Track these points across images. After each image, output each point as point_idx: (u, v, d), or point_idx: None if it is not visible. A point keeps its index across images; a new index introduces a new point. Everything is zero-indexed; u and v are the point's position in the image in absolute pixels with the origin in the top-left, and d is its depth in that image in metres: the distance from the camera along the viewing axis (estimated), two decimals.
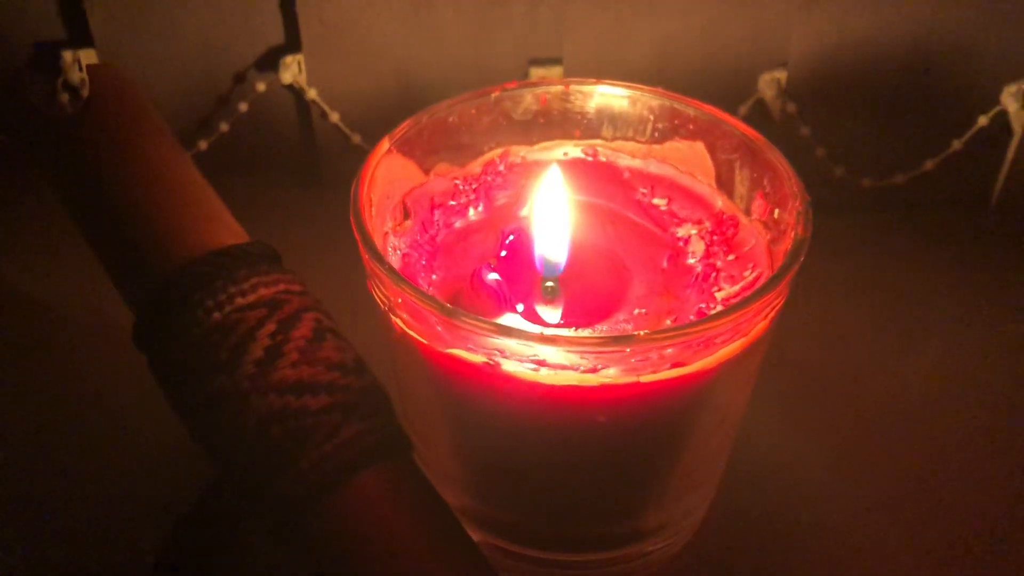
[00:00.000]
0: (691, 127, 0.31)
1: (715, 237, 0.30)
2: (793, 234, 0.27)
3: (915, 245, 0.44)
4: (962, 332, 0.41)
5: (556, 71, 0.42)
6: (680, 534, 0.32)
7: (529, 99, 0.32)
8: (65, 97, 0.35)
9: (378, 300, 0.27)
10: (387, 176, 0.29)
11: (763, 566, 0.32)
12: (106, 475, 0.35)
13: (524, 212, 0.32)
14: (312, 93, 0.43)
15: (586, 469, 0.28)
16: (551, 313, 0.29)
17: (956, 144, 0.43)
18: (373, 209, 0.28)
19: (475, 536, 0.28)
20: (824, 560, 0.32)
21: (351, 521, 0.26)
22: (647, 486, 0.29)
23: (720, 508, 0.33)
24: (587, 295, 0.30)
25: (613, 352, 0.24)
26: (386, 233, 0.30)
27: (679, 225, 0.31)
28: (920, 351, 0.40)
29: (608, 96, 0.32)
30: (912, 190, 0.44)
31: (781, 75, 0.42)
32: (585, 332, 0.28)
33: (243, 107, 0.43)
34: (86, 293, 0.39)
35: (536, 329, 0.27)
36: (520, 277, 0.30)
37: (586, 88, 0.32)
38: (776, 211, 0.29)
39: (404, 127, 0.30)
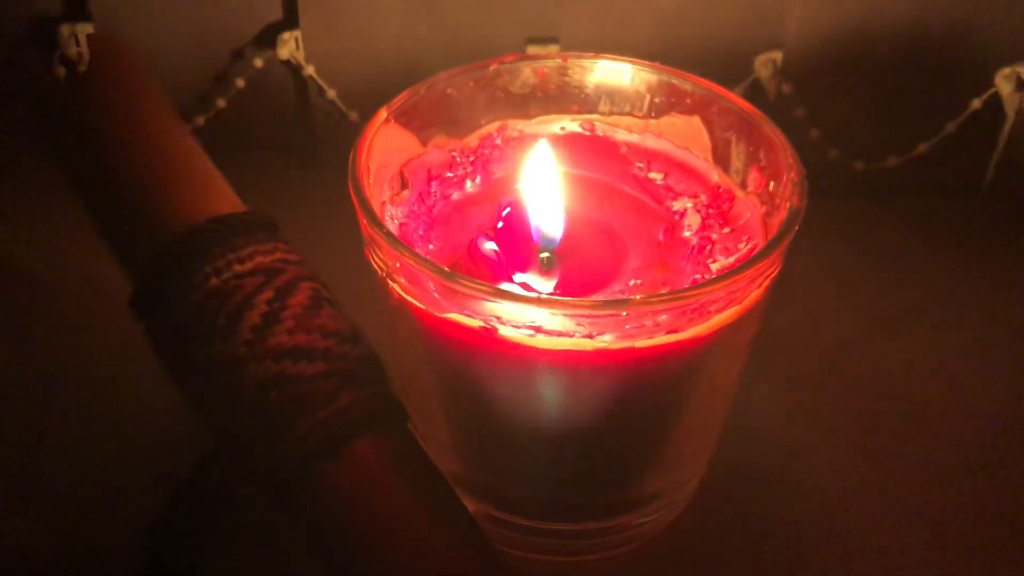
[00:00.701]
0: (688, 102, 0.32)
1: (711, 210, 0.31)
2: (788, 205, 0.27)
3: (907, 227, 0.45)
4: (952, 314, 0.41)
5: (553, 49, 0.43)
6: (673, 505, 0.33)
7: (527, 73, 0.32)
8: (62, 71, 0.35)
9: (375, 266, 0.27)
10: (385, 146, 0.30)
11: (754, 538, 0.33)
12: (101, 445, 0.35)
13: (521, 185, 0.32)
14: (310, 69, 0.43)
15: (580, 436, 0.28)
16: (547, 284, 0.29)
17: (949, 127, 0.43)
18: (371, 178, 0.28)
19: (469, 505, 0.28)
20: (815, 532, 0.33)
21: (347, 488, 0.26)
22: (641, 454, 0.29)
23: (712, 481, 0.34)
24: (583, 267, 0.30)
25: (609, 316, 0.24)
26: (383, 202, 0.30)
27: (675, 199, 0.31)
28: (910, 332, 0.40)
29: (606, 70, 0.32)
30: (905, 173, 0.45)
31: (777, 56, 0.43)
32: (580, 300, 0.28)
33: (240, 83, 0.43)
34: (82, 261, 0.39)
35: (533, 293, 0.27)
36: (516, 248, 0.30)
37: (584, 62, 0.32)
38: (771, 184, 0.29)
39: (402, 98, 0.30)
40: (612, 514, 0.31)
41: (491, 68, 0.32)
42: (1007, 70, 0.42)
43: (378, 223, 0.25)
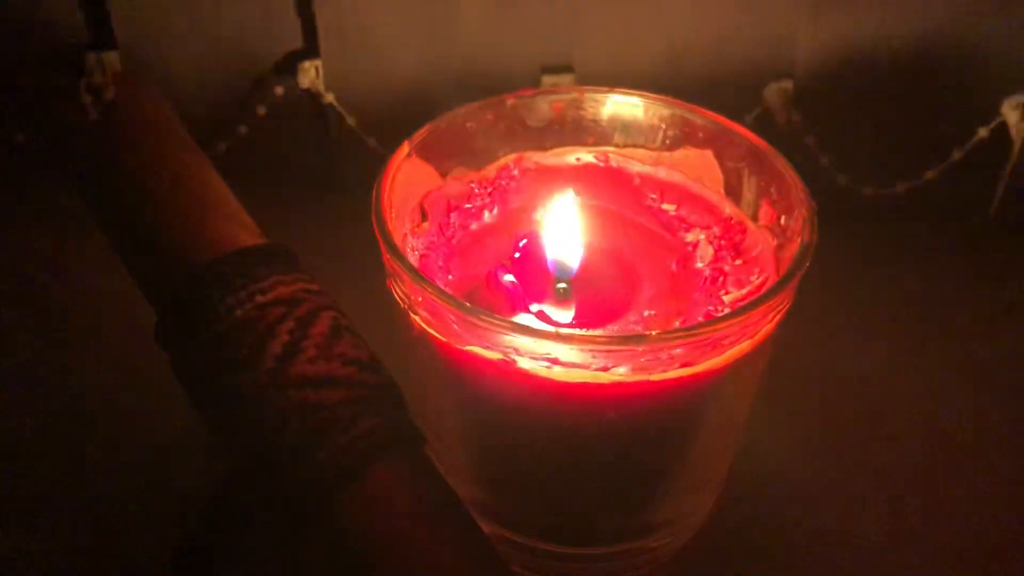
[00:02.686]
0: (700, 135, 0.32)
1: (723, 242, 0.31)
2: (800, 240, 0.28)
3: (915, 253, 0.45)
4: (960, 340, 0.42)
5: (567, 79, 0.43)
6: (685, 530, 0.33)
7: (543, 106, 0.33)
8: (88, 99, 0.36)
9: (397, 298, 0.28)
10: (406, 179, 0.30)
11: (765, 563, 0.33)
12: (124, 468, 0.36)
13: (537, 216, 0.33)
14: (329, 97, 0.44)
15: (595, 465, 0.29)
16: (563, 314, 0.30)
17: (956, 154, 0.44)
18: (393, 211, 0.29)
19: (485, 527, 0.29)
20: (825, 559, 0.33)
21: (366, 511, 0.27)
22: (654, 483, 0.30)
23: (724, 506, 0.34)
24: (598, 297, 0.31)
25: (625, 351, 0.25)
26: (405, 234, 0.30)
27: (688, 230, 0.32)
28: (919, 359, 0.41)
29: (620, 104, 0.33)
30: (913, 199, 0.45)
31: (787, 85, 0.43)
32: (596, 333, 0.29)
33: (261, 110, 0.44)
34: (108, 291, 0.40)
35: (551, 328, 0.28)
36: (533, 279, 0.31)
37: (599, 96, 0.33)
38: (782, 218, 0.30)
39: (423, 132, 0.31)
40: (623, 539, 0.32)
41: (508, 102, 0.33)
42: (1014, 99, 0.43)
43: (401, 258, 0.26)
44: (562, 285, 0.30)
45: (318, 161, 0.47)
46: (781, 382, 0.38)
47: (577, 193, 0.32)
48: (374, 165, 0.45)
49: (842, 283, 0.43)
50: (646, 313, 0.29)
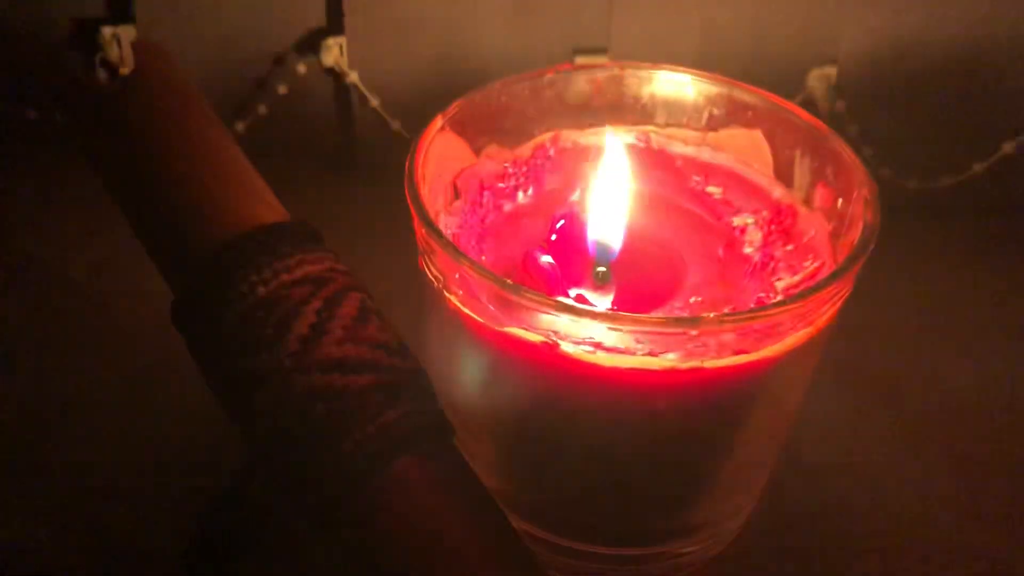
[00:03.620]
0: (749, 115, 0.31)
1: (773, 227, 0.30)
2: (862, 223, 0.26)
3: (961, 249, 0.44)
4: (1009, 339, 0.40)
5: (601, 60, 0.42)
6: (721, 536, 0.31)
7: (582, 82, 0.32)
8: (103, 74, 0.35)
9: (431, 277, 0.26)
10: (439, 154, 0.29)
11: (811, 570, 0.31)
12: (139, 457, 0.34)
13: (575, 197, 0.32)
14: (353, 76, 0.42)
15: (637, 458, 0.27)
16: (602, 300, 0.28)
17: (1006, 147, 0.42)
18: (426, 186, 0.27)
19: (513, 523, 0.27)
20: (871, 568, 0.32)
21: (392, 504, 0.25)
22: (698, 479, 0.28)
23: (762, 514, 0.32)
24: (640, 282, 0.29)
25: (678, 335, 0.23)
26: (437, 212, 0.29)
27: (735, 214, 0.30)
28: (965, 356, 0.39)
29: (663, 82, 0.32)
30: (959, 193, 0.44)
31: (831, 72, 0.42)
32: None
33: (282, 90, 0.43)
34: (125, 271, 0.39)
35: (600, 309, 0.26)
36: (571, 262, 0.29)
37: (641, 73, 0.32)
38: (839, 200, 0.28)
39: (456, 105, 0.30)
40: (659, 541, 0.30)
41: (546, 77, 0.31)
42: None
43: (437, 232, 0.24)
44: (602, 269, 0.29)
45: (340, 143, 0.45)
46: (827, 379, 0.36)
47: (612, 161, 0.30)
48: (398, 148, 0.44)
49: (885, 279, 0.42)
50: (692, 300, 0.28)
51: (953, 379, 0.38)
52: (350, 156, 0.45)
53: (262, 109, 0.43)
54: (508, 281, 0.23)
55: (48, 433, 0.35)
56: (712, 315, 0.22)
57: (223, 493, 0.32)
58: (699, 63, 0.41)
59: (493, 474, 0.29)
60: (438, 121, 0.29)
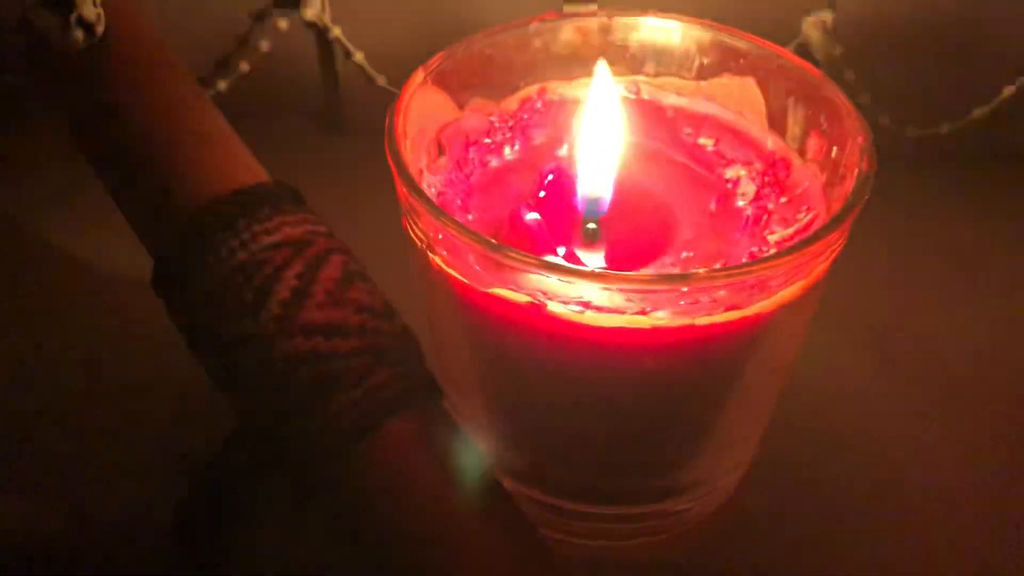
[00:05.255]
0: (741, 62, 0.30)
1: (766, 179, 0.29)
2: (856, 171, 0.25)
3: (961, 195, 0.43)
4: (1006, 282, 0.39)
5: (591, 7, 0.41)
6: (718, 492, 0.31)
7: (569, 32, 0.31)
8: (79, 34, 0.34)
9: (414, 238, 0.26)
10: (422, 110, 0.28)
11: (801, 532, 0.31)
12: (122, 427, 0.34)
13: (562, 151, 0.31)
14: (336, 31, 0.41)
15: (628, 418, 0.26)
16: (592, 256, 0.28)
17: (1006, 92, 0.41)
18: (408, 143, 0.27)
19: (505, 484, 0.27)
20: (864, 529, 0.31)
21: (381, 468, 0.25)
22: (691, 438, 0.28)
23: (757, 472, 0.32)
24: (630, 238, 0.28)
25: (667, 291, 0.22)
26: (420, 170, 0.28)
27: (727, 166, 0.30)
28: (964, 301, 0.38)
29: (653, 29, 0.31)
30: (959, 140, 0.43)
31: (827, 17, 0.41)
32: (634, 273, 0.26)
33: (265, 46, 0.42)
34: (106, 241, 0.38)
35: (587, 268, 0.25)
36: (559, 219, 0.28)
37: (630, 20, 0.31)
38: (834, 150, 0.27)
39: (438, 58, 0.29)
40: (654, 499, 0.30)
41: (531, 27, 0.30)
42: None
43: (419, 191, 0.24)
44: (591, 225, 0.28)
45: (325, 99, 0.44)
46: (820, 329, 0.36)
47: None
48: (384, 104, 0.43)
49: (884, 226, 0.41)
50: (684, 255, 0.27)
51: (953, 328, 0.37)
52: (335, 112, 0.45)
53: (244, 66, 0.42)
54: (492, 241, 0.22)
55: (28, 407, 0.35)
56: (703, 271, 0.21)
57: (211, 461, 0.31)
58: (691, 8, 0.40)
59: (483, 435, 0.28)
60: (419, 74, 0.28)
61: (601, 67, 0.29)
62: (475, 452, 0.26)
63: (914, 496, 0.32)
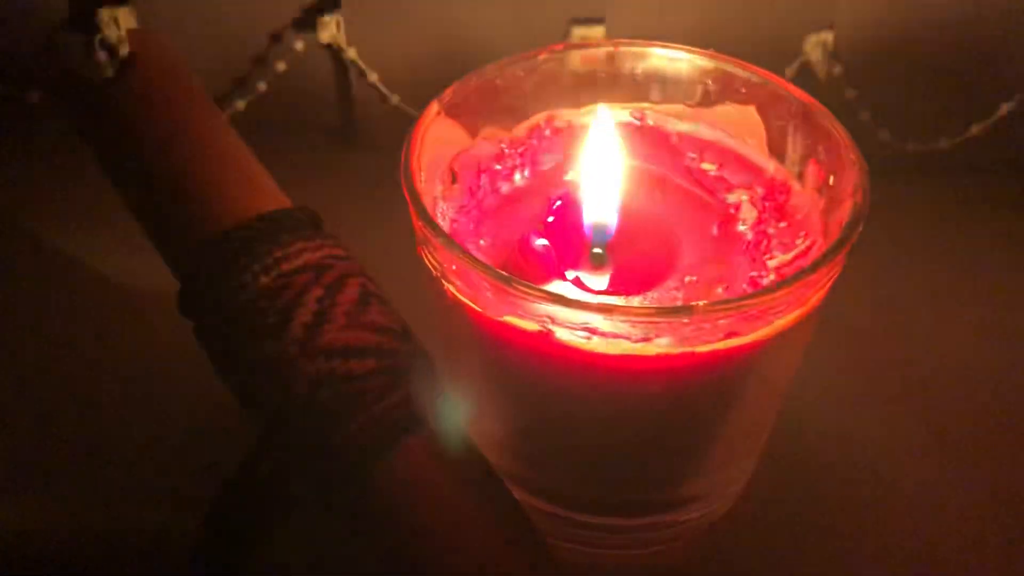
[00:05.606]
0: (743, 91, 0.31)
1: (766, 203, 0.30)
2: (852, 203, 0.26)
3: (960, 210, 0.44)
4: (1005, 296, 0.40)
5: (598, 31, 0.42)
6: (719, 504, 0.32)
7: (576, 61, 0.32)
8: (103, 56, 0.35)
9: (429, 266, 0.27)
10: (435, 140, 0.29)
11: (802, 539, 0.32)
12: (149, 443, 0.35)
13: (570, 176, 0.32)
14: (351, 52, 0.42)
15: (632, 437, 0.28)
16: (599, 280, 0.29)
17: (1003, 108, 0.42)
18: (423, 174, 0.28)
19: (516, 495, 0.28)
20: (865, 534, 0.32)
21: (399, 483, 0.26)
22: (691, 456, 0.29)
23: (760, 480, 0.33)
24: (636, 262, 0.29)
25: (671, 323, 0.23)
26: (435, 198, 0.29)
27: (729, 191, 0.31)
28: (964, 317, 0.39)
29: (657, 58, 0.32)
30: (958, 155, 0.44)
31: (828, 37, 0.42)
32: (635, 300, 0.28)
33: (281, 67, 0.43)
34: (129, 259, 0.39)
35: (593, 298, 0.27)
36: (567, 243, 0.29)
37: (635, 50, 0.32)
38: (831, 177, 0.28)
39: (452, 90, 0.30)
40: (658, 511, 0.31)
41: (540, 57, 0.31)
42: None
43: (433, 225, 0.25)
44: (598, 250, 0.29)
45: (339, 118, 0.45)
46: (821, 344, 0.37)
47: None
48: (398, 123, 0.44)
49: (885, 240, 0.42)
50: (687, 279, 0.28)
51: (952, 339, 0.38)
52: (350, 131, 0.46)
53: (261, 86, 0.43)
54: (501, 272, 0.24)
55: (56, 420, 0.36)
56: (702, 303, 0.22)
57: (233, 477, 0.32)
58: (696, 28, 0.42)
59: (495, 452, 0.29)
60: (433, 107, 0.29)
61: (602, 111, 0.30)
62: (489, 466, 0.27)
63: (911, 509, 0.33)
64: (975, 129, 0.43)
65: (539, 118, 0.32)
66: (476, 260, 0.24)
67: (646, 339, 0.24)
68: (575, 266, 0.29)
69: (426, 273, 0.28)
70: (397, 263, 0.32)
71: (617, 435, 0.27)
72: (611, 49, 0.32)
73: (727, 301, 0.23)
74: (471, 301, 0.26)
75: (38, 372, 0.38)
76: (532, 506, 0.31)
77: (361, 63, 0.43)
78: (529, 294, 0.23)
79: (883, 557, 0.32)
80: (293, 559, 0.32)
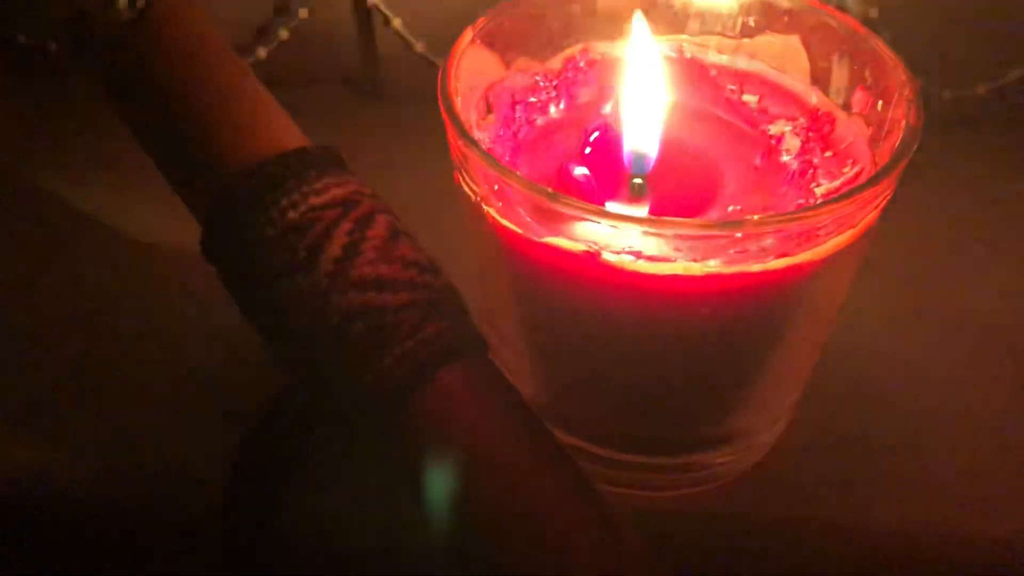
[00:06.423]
0: (785, 20, 0.30)
1: (810, 134, 0.29)
2: (903, 124, 0.25)
3: (997, 158, 0.43)
4: None
5: None
6: (757, 447, 0.32)
7: None
8: (124, 2, 0.34)
9: (468, 191, 0.26)
10: (471, 68, 0.28)
11: (842, 486, 0.31)
12: (177, 386, 0.35)
13: (606, 110, 0.31)
14: None
15: (678, 366, 0.27)
16: (639, 212, 0.28)
17: None
18: (459, 100, 0.27)
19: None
20: (901, 487, 0.32)
21: (435, 415, 0.26)
22: (737, 387, 0.28)
23: (798, 429, 0.32)
24: (676, 193, 0.29)
25: (721, 238, 0.23)
26: (470, 127, 0.28)
27: (771, 122, 0.30)
28: (999, 264, 0.39)
29: None
30: (995, 102, 0.43)
31: None
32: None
33: (303, 14, 0.42)
34: (151, 208, 0.39)
35: (643, 215, 0.26)
36: (606, 175, 0.29)
37: None
38: (879, 103, 0.27)
39: (486, 18, 0.29)
40: (694, 450, 0.30)
41: None
42: None
43: (473, 142, 0.24)
44: (638, 180, 0.28)
45: (363, 65, 0.45)
46: (857, 293, 0.36)
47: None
48: (421, 70, 0.43)
49: (920, 190, 0.41)
50: (730, 208, 0.27)
51: (987, 286, 0.38)
52: (373, 78, 0.45)
53: (283, 34, 0.43)
54: (548, 189, 0.23)
55: (86, 365, 0.35)
56: (756, 217, 0.22)
57: (263, 419, 0.32)
58: None
59: (529, 386, 0.29)
60: (468, 34, 0.28)
61: (638, 19, 0.29)
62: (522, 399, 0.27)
63: (952, 453, 0.32)
64: (1013, 74, 0.42)
65: (574, 50, 0.31)
66: (520, 177, 0.23)
67: (693, 260, 0.23)
68: (613, 197, 0.28)
69: (464, 202, 0.27)
70: (420, 210, 0.32)
71: (662, 365, 0.27)
72: None
73: (780, 214, 0.22)
74: (513, 224, 0.25)
75: (60, 316, 0.37)
76: (569, 444, 0.30)
77: (384, 9, 0.42)
78: (577, 211, 0.23)
79: (921, 507, 0.31)
80: (322, 501, 0.31)
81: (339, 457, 0.32)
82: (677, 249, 0.23)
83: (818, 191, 0.27)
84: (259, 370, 0.31)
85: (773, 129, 0.30)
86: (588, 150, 0.29)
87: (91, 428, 0.33)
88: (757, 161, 0.29)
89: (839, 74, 0.29)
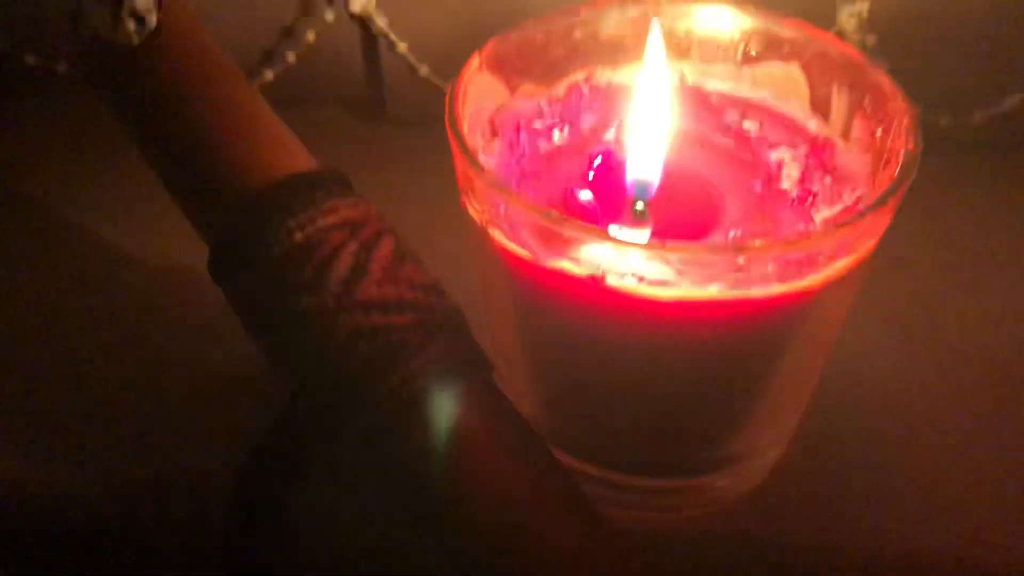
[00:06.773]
0: (786, 49, 0.30)
1: (811, 161, 0.30)
2: (902, 151, 0.26)
3: (994, 185, 0.43)
4: None
5: None
6: (755, 471, 0.32)
7: (617, 19, 0.31)
8: (131, 24, 0.35)
9: (473, 214, 0.26)
10: (476, 93, 0.29)
11: (844, 506, 0.32)
12: (187, 391, 0.35)
13: (609, 135, 0.31)
14: (380, 22, 0.42)
15: (679, 388, 0.27)
16: (640, 235, 0.28)
17: None
18: (465, 125, 0.27)
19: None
20: (908, 506, 0.32)
21: (436, 431, 0.26)
22: (735, 410, 0.29)
23: (797, 452, 0.32)
24: (678, 218, 0.29)
25: (723, 263, 0.23)
26: (476, 151, 0.29)
27: (772, 149, 0.30)
28: (996, 289, 0.39)
29: (698, 16, 0.31)
30: (992, 129, 0.43)
31: (863, 7, 0.41)
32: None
33: (310, 37, 0.43)
34: (152, 227, 0.39)
35: (646, 240, 0.26)
36: (609, 200, 0.29)
37: (676, 8, 0.31)
38: (878, 131, 0.28)
39: (492, 44, 0.30)
40: (693, 474, 0.30)
41: (580, 14, 0.31)
42: None
43: (479, 167, 0.25)
44: (640, 206, 0.29)
45: (368, 89, 0.45)
46: (857, 317, 0.36)
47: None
48: (426, 94, 0.44)
49: (919, 216, 0.41)
50: (731, 233, 0.28)
51: (987, 312, 0.38)
52: (378, 102, 0.45)
53: (290, 57, 0.43)
54: (553, 213, 0.23)
55: (93, 371, 0.36)
56: (758, 242, 0.22)
57: (272, 426, 0.32)
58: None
59: (531, 407, 0.29)
60: (475, 59, 0.29)
61: (654, 34, 0.29)
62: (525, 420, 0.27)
63: (953, 474, 0.33)
64: (1009, 102, 0.42)
65: (578, 76, 0.32)
66: (525, 200, 0.24)
67: (697, 284, 0.24)
68: (617, 222, 0.29)
69: (469, 225, 0.27)
70: (426, 232, 0.32)
71: (664, 388, 0.27)
72: (652, 6, 0.32)
73: (783, 240, 0.23)
74: (518, 247, 0.25)
75: (62, 326, 0.37)
76: (566, 464, 0.30)
77: (391, 33, 0.42)
78: (581, 234, 0.23)
79: (921, 531, 0.31)
80: (327, 513, 0.31)
81: (344, 470, 0.32)
82: (679, 273, 0.24)
83: (818, 217, 0.28)
84: (264, 382, 0.32)
85: (774, 156, 0.30)
86: (592, 175, 0.30)
87: (95, 438, 0.33)
88: (758, 187, 0.29)
89: (839, 102, 0.30)
